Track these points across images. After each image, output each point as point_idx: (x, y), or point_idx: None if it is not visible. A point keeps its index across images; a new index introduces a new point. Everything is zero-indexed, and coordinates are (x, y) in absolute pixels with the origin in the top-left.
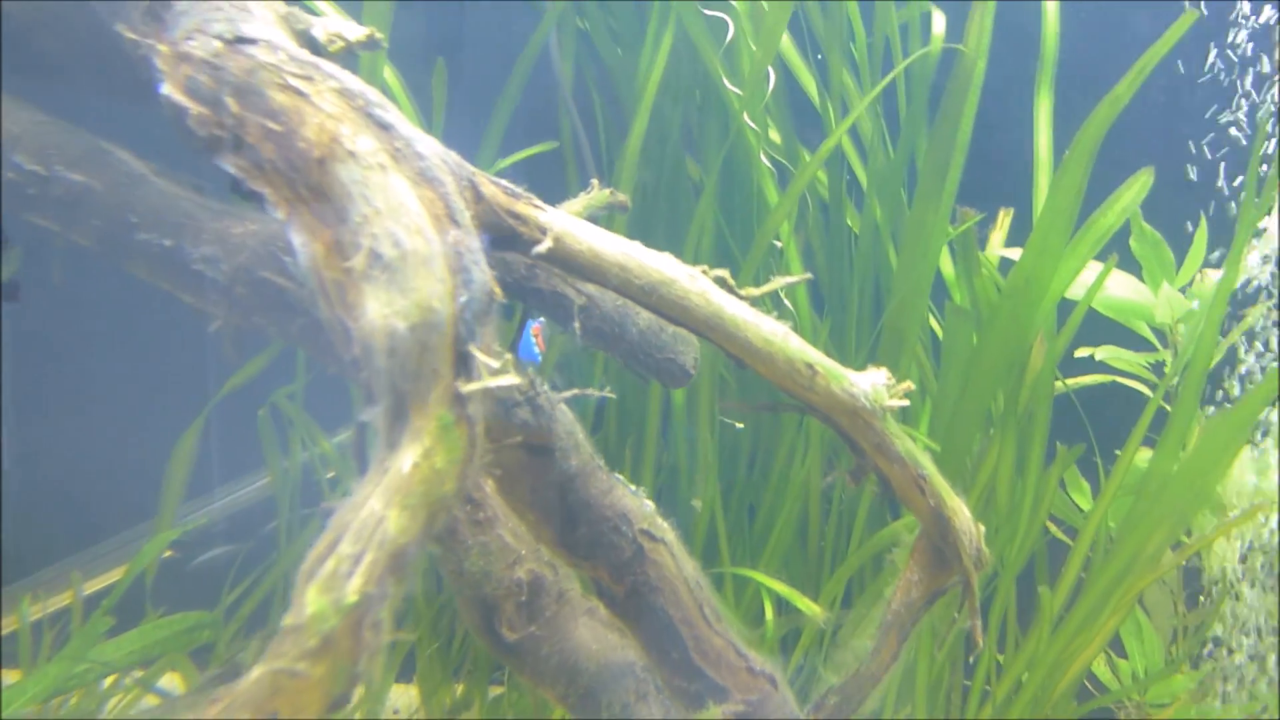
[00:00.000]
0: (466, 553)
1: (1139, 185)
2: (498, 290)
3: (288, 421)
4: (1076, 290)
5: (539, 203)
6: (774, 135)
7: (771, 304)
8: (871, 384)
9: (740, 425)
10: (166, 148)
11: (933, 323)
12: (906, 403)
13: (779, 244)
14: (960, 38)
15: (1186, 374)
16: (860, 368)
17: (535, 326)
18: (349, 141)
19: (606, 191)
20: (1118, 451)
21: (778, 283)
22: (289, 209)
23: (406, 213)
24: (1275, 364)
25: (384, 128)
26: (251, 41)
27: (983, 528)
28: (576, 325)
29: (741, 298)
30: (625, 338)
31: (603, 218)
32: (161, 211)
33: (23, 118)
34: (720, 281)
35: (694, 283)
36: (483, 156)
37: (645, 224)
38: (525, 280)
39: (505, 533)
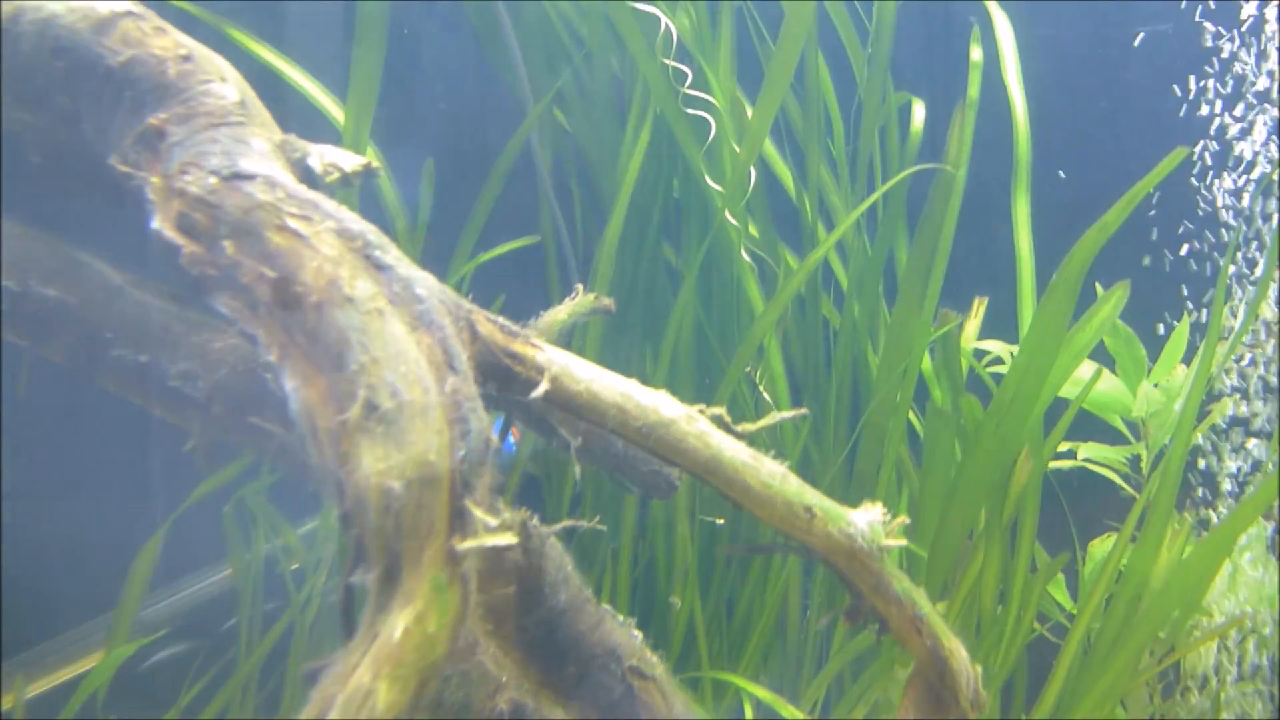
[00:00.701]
0: (445, 682)
1: (1116, 299)
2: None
3: (250, 515)
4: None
5: (536, 340)
6: (752, 228)
7: (750, 394)
8: (868, 522)
9: (720, 520)
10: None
11: (912, 417)
12: (903, 542)
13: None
14: (937, 122)
15: (1164, 473)
16: (840, 465)
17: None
18: (347, 286)
19: (590, 297)
20: (1097, 542)
21: (773, 418)
22: (282, 352)
23: (404, 361)
24: (1270, 471)
25: (382, 269)
26: (249, 177)
27: (979, 669)
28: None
29: (737, 435)
30: (611, 451)
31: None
32: (137, 325)
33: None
34: (716, 420)
35: (692, 424)
36: (462, 249)
37: (623, 317)
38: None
39: (486, 659)
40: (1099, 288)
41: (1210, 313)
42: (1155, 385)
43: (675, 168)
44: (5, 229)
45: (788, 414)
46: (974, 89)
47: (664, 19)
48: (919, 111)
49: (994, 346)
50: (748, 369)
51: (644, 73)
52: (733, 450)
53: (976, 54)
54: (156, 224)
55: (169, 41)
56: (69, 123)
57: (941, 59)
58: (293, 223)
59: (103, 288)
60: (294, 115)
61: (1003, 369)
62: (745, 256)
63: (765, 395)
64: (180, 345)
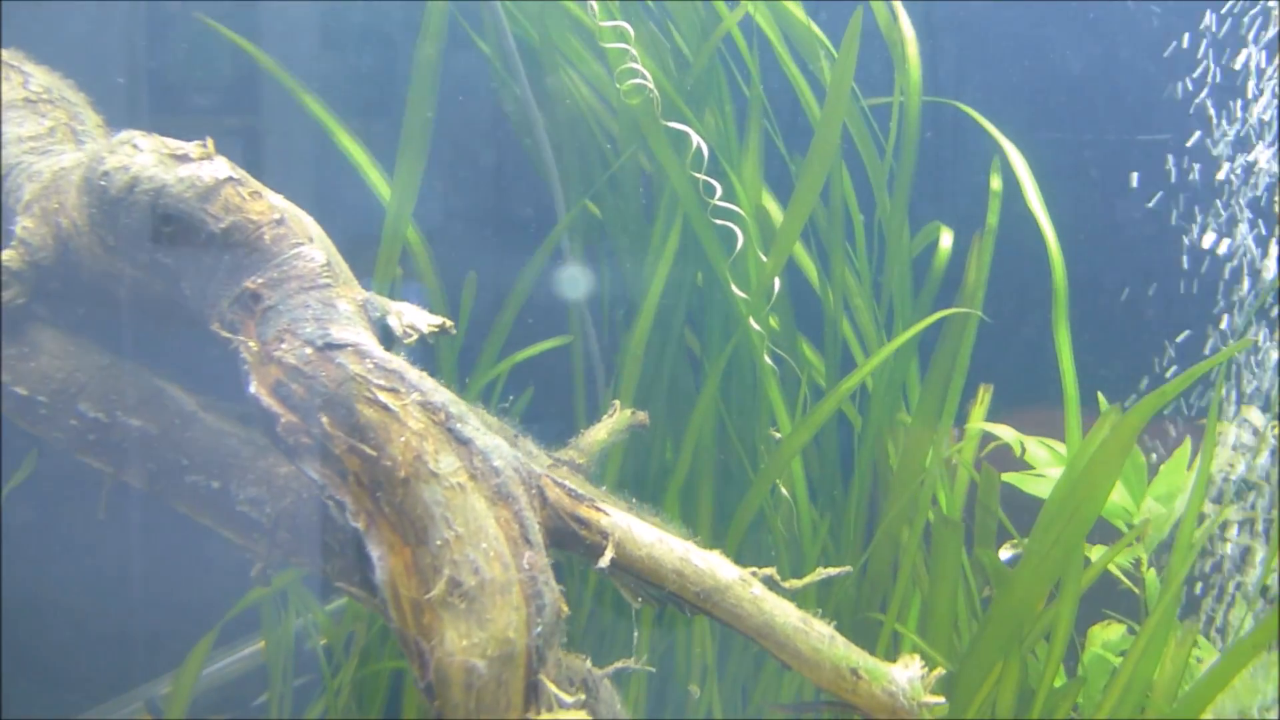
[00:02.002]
0: None
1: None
2: (564, 607)
3: (282, 592)
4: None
5: (601, 505)
6: (773, 321)
7: (770, 500)
8: (909, 680)
9: None
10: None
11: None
12: (942, 699)
13: (777, 435)
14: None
15: (1167, 580)
16: (857, 570)
17: None
18: (432, 460)
19: (627, 413)
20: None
21: (818, 574)
22: (369, 521)
23: (485, 537)
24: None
25: (463, 443)
26: (340, 347)
27: None
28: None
29: (784, 593)
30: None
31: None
32: (210, 451)
33: (89, 363)
34: (767, 580)
35: (746, 589)
36: (490, 348)
37: (645, 405)
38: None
39: None
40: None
41: (1207, 422)
42: (1156, 498)
43: (701, 264)
44: (94, 360)
45: (833, 571)
46: (993, 216)
47: (694, 136)
48: (945, 239)
49: (1003, 432)
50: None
51: (673, 183)
52: (784, 615)
53: (996, 183)
54: (254, 390)
55: (264, 205)
56: (170, 280)
57: (954, 183)
58: (382, 396)
59: (179, 414)
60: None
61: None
62: (768, 360)
63: (785, 492)
64: (249, 471)
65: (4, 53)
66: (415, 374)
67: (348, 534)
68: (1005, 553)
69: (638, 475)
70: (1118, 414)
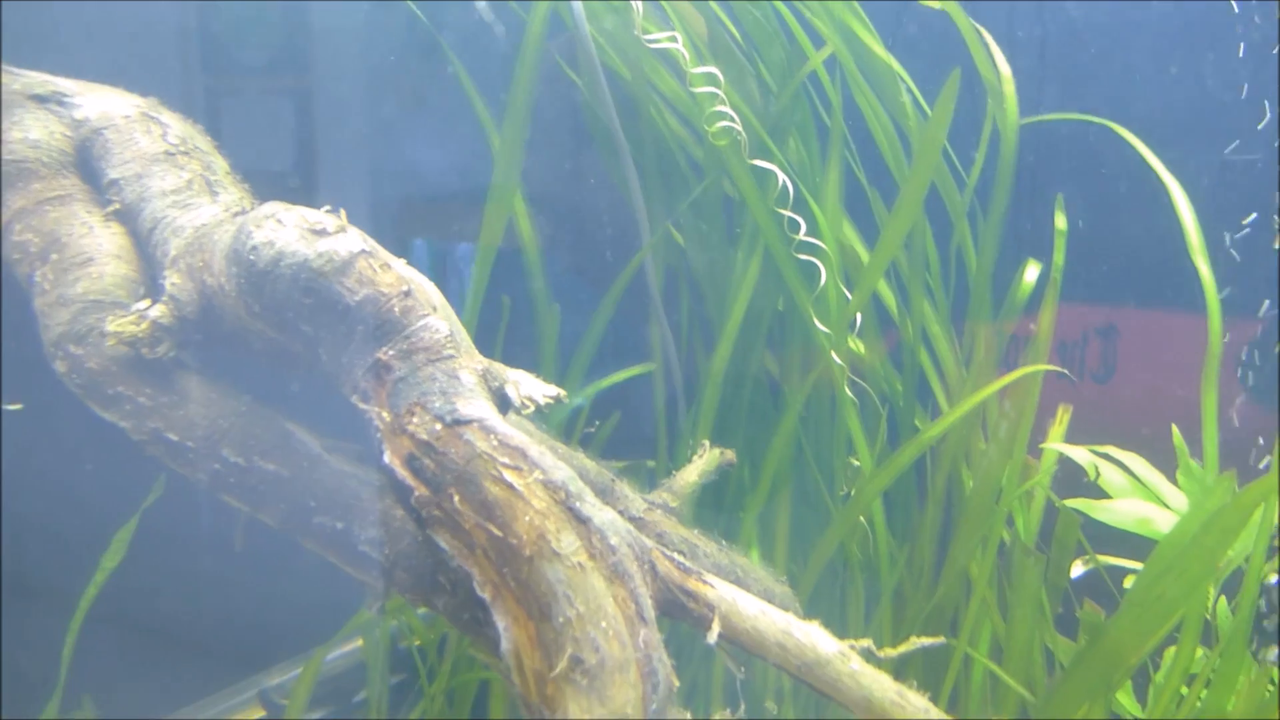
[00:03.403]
0: None
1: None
2: (676, 680)
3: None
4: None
5: (708, 578)
6: (853, 343)
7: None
8: None
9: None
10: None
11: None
12: None
13: (855, 463)
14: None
15: (1237, 609)
16: (927, 593)
17: None
18: (554, 539)
19: (716, 453)
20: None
21: (913, 644)
22: (495, 593)
23: (604, 616)
24: None
25: (582, 521)
26: (467, 422)
27: None
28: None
29: (879, 662)
30: None
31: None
32: (335, 493)
33: (230, 409)
34: (865, 653)
35: (845, 664)
36: (574, 373)
37: (724, 435)
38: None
39: None
40: None
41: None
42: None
43: (782, 289)
44: (233, 405)
45: (928, 641)
46: (1059, 255)
47: (780, 174)
48: (1031, 272)
49: (1078, 454)
50: (843, 490)
51: (755, 215)
52: (881, 689)
53: (1061, 222)
54: (389, 460)
55: (393, 277)
56: (308, 345)
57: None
58: (507, 474)
59: (308, 458)
60: None
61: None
62: (849, 393)
63: (861, 519)
64: (369, 513)
65: (142, 102)
66: (535, 450)
67: (459, 575)
68: (1077, 568)
69: (716, 495)
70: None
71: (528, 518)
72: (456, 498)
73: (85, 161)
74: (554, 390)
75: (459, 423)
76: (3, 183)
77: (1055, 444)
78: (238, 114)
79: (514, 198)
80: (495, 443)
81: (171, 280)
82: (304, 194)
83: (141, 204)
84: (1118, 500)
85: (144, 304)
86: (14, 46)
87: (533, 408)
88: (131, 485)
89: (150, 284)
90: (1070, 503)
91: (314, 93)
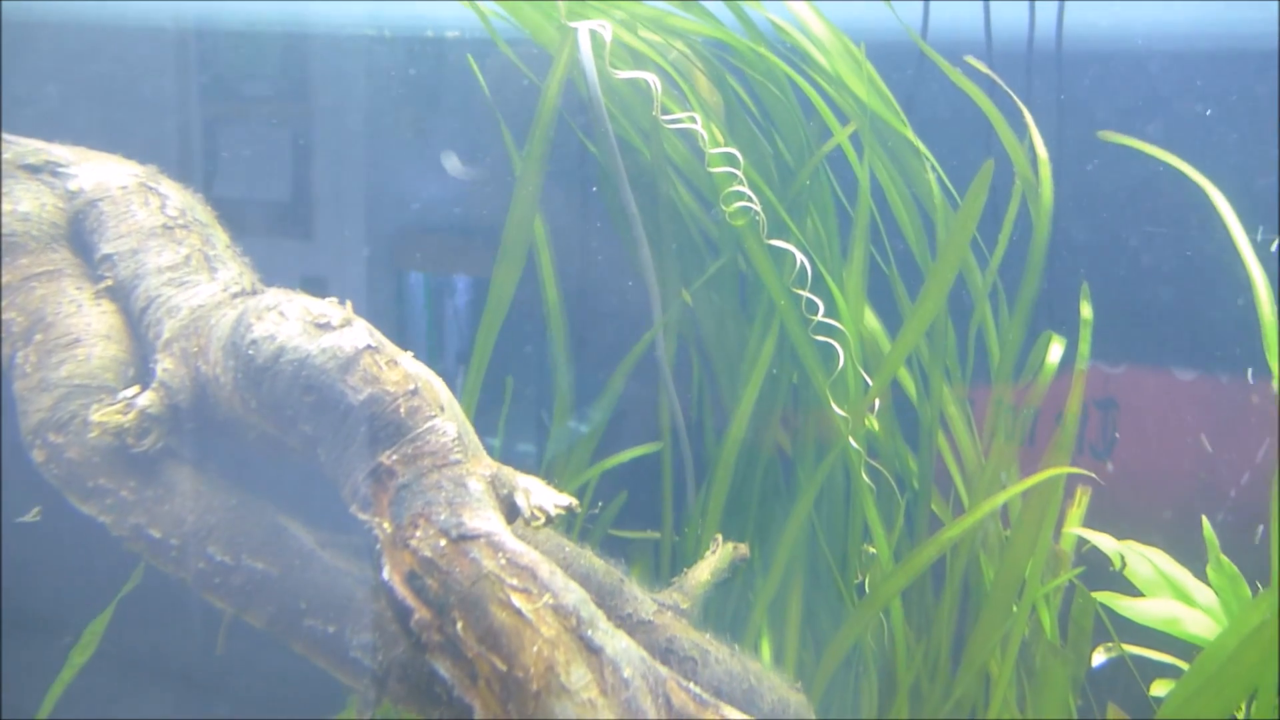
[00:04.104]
0: None
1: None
2: None
3: None
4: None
5: (725, 711)
6: (870, 422)
7: (855, 598)
8: None
9: None
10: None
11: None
12: None
13: (871, 550)
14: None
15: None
16: (944, 689)
17: None
18: (563, 673)
19: (729, 547)
20: None
21: None
22: None
23: None
24: None
25: (594, 652)
26: (474, 538)
27: None
28: None
29: None
30: None
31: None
32: (327, 593)
33: (219, 504)
34: None
35: None
36: (582, 452)
37: (739, 525)
38: None
39: None
40: None
41: None
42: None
43: (798, 369)
44: (223, 499)
45: None
46: (1085, 345)
47: (798, 255)
48: (1054, 351)
49: (1103, 541)
50: (857, 578)
51: (772, 295)
52: None
53: (1087, 311)
54: (388, 577)
55: (399, 374)
56: (307, 444)
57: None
58: (515, 599)
59: (299, 554)
60: None
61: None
62: (866, 479)
63: (884, 620)
64: (362, 615)
65: (141, 170)
66: (546, 570)
67: (459, 708)
68: (1098, 657)
69: (723, 581)
70: None
71: (536, 647)
72: (460, 623)
73: (78, 234)
74: (565, 500)
75: (465, 538)
76: None
77: (1085, 531)
78: (236, 143)
79: (521, 262)
80: (504, 561)
81: (164, 365)
82: (301, 223)
83: (136, 281)
84: (1148, 598)
85: (132, 391)
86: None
87: (543, 519)
88: None
89: (141, 366)
90: (1099, 596)
91: (312, 125)
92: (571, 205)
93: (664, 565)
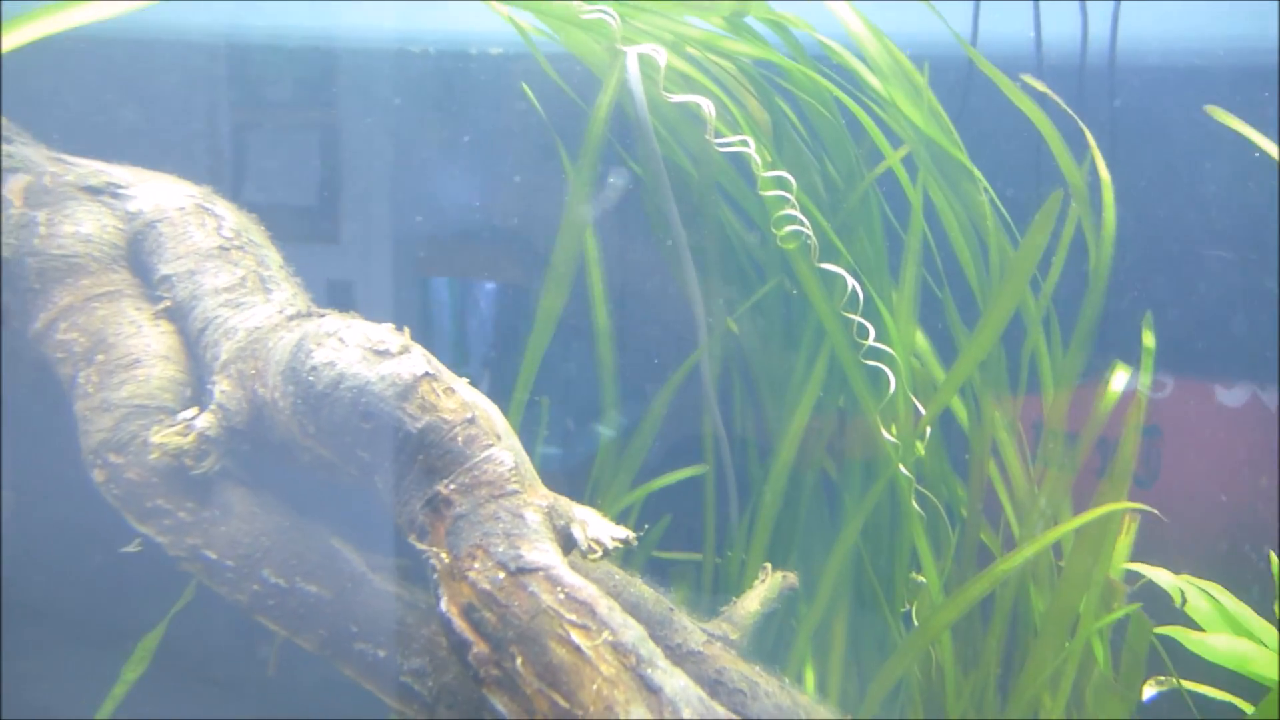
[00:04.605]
0: None
1: None
2: None
3: None
4: None
5: None
6: (919, 448)
7: (901, 626)
8: None
9: None
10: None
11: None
12: None
13: (920, 579)
14: None
15: None
16: None
17: None
18: (622, 712)
19: (778, 576)
20: None
21: None
22: None
23: None
24: None
25: (653, 691)
26: (532, 571)
27: None
28: None
29: None
30: None
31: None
32: (378, 617)
33: (273, 525)
34: None
35: None
36: (624, 474)
37: (782, 549)
38: None
39: None
40: None
41: None
42: None
43: (844, 389)
44: (277, 521)
45: None
46: (1146, 376)
47: (850, 280)
48: (1118, 380)
49: (1160, 576)
50: (904, 607)
51: (821, 319)
52: None
53: (1149, 340)
54: (445, 608)
55: (456, 402)
56: (364, 471)
57: None
58: (574, 635)
59: (351, 578)
60: None
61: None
62: (915, 507)
63: (933, 652)
64: (413, 640)
65: (197, 191)
66: (604, 605)
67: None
68: (1149, 690)
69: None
70: None
71: (595, 686)
72: (519, 659)
73: (137, 255)
74: (623, 533)
75: (523, 571)
76: (51, 279)
77: (1141, 567)
78: (268, 149)
79: (568, 285)
80: (562, 596)
81: (221, 387)
82: (333, 227)
83: (193, 302)
84: (1213, 634)
85: (191, 412)
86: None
87: (600, 552)
88: None
89: (198, 386)
90: (1162, 630)
91: (341, 132)
92: (614, 224)
93: (705, 587)
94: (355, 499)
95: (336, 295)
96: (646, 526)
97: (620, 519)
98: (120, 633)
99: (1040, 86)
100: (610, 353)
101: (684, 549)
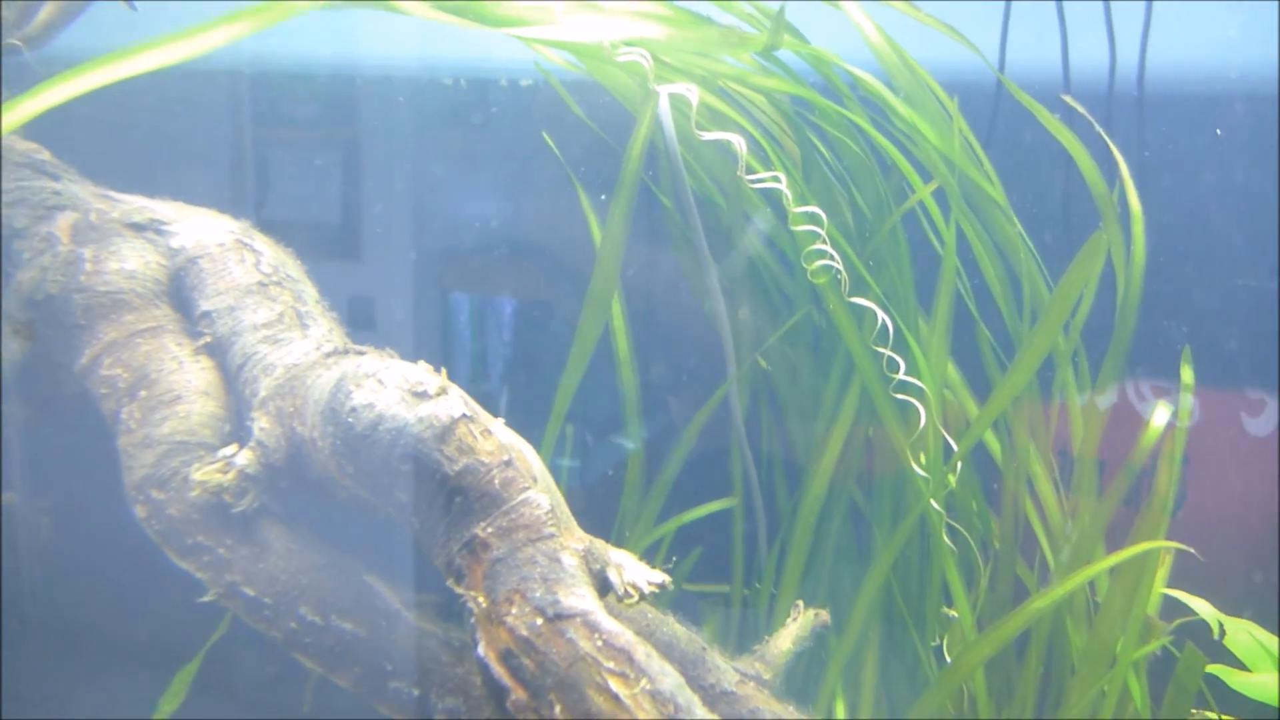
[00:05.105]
0: None
1: None
2: None
3: None
4: None
5: None
6: (950, 479)
7: (933, 659)
8: None
9: None
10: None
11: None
12: None
13: (953, 614)
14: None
15: None
16: None
17: None
18: None
19: (810, 615)
20: None
21: None
22: None
23: None
24: None
25: None
26: (570, 617)
27: None
28: None
29: None
30: None
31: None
32: (412, 655)
33: (309, 563)
34: None
35: None
36: (651, 506)
37: (811, 582)
38: None
39: None
40: None
41: None
42: None
43: (875, 421)
44: (313, 558)
45: None
46: (1184, 417)
47: (880, 314)
48: (1160, 415)
49: (1200, 606)
50: (935, 640)
51: (851, 353)
52: None
53: (1188, 375)
54: (483, 653)
55: (494, 444)
56: (402, 511)
57: None
58: (612, 683)
59: (385, 615)
60: None
61: None
62: (946, 539)
63: (966, 688)
64: (448, 679)
65: (236, 227)
66: (642, 652)
67: None
68: None
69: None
70: None
71: None
72: (558, 706)
73: (178, 290)
74: (659, 577)
75: (561, 617)
76: (96, 315)
77: (1179, 593)
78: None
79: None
80: (600, 643)
81: (260, 424)
82: (350, 242)
83: (233, 338)
84: (1259, 673)
85: (231, 449)
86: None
87: (637, 597)
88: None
89: (236, 421)
90: (1210, 668)
91: (362, 151)
92: (640, 253)
93: (734, 618)
94: (383, 532)
95: (358, 312)
96: (675, 559)
97: (650, 551)
98: (161, 655)
99: (1079, 108)
100: (633, 379)
101: (709, 577)
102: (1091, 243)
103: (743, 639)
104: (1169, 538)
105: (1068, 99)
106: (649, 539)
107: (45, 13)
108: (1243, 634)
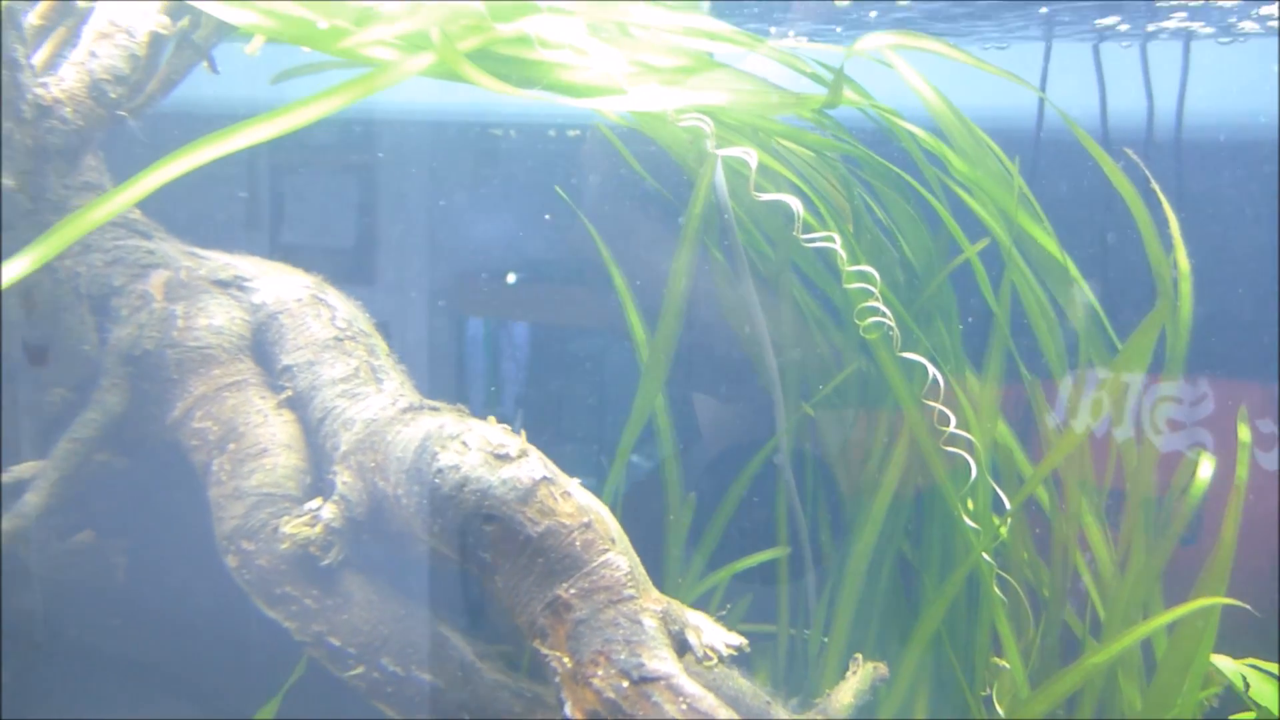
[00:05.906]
0: None
1: None
2: None
3: None
4: None
5: None
6: (1002, 530)
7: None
8: None
9: None
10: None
11: None
12: None
13: (1004, 665)
14: None
15: None
16: None
17: None
18: None
19: (869, 668)
20: None
21: None
22: None
23: None
24: None
25: None
26: (654, 680)
27: None
28: None
29: None
30: None
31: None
32: (486, 707)
33: (390, 614)
34: None
35: None
36: (701, 551)
37: (860, 631)
38: None
39: None
40: None
41: None
42: None
43: (924, 474)
44: (393, 609)
45: None
46: (1242, 469)
47: (931, 369)
48: (1205, 468)
49: (1222, 663)
50: (985, 691)
51: (905, 411)
52: None
53: (1245, 433)
54: (570, 714)
55: (573, 506)
56: (485, 571)
57: None
58: None
59: (461, 666)
60: None
61: None
62: (996, 591)
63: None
64: None
65: (311, 281)
66: (725, 716)
67: None
68: None
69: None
70: None
71: None
72: None
73: (260, 345)
74: (736, 640)
75: (645, 680)
76: (187, 369)
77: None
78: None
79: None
80: (684, 706)
81: (343, 479)
82: (367, 266)
83: (313, 392)
84: None
85: (316, 503)
86: None
87: (715, 660)
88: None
89: (316, 473)
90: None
91: (381, 179)
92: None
93: (781, 666)
94: (448, 582)
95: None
96: (730, 606)
97: (703, 600)
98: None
99: (1137, 161)
100: (670, 437)
101: (752, 617)
102: (1152, 317)
103: (790, 685)
104: (1183, 571)
105: (1129, 152)
106: (700, 588)
107: (153, 84)
108: (1268, 688)
